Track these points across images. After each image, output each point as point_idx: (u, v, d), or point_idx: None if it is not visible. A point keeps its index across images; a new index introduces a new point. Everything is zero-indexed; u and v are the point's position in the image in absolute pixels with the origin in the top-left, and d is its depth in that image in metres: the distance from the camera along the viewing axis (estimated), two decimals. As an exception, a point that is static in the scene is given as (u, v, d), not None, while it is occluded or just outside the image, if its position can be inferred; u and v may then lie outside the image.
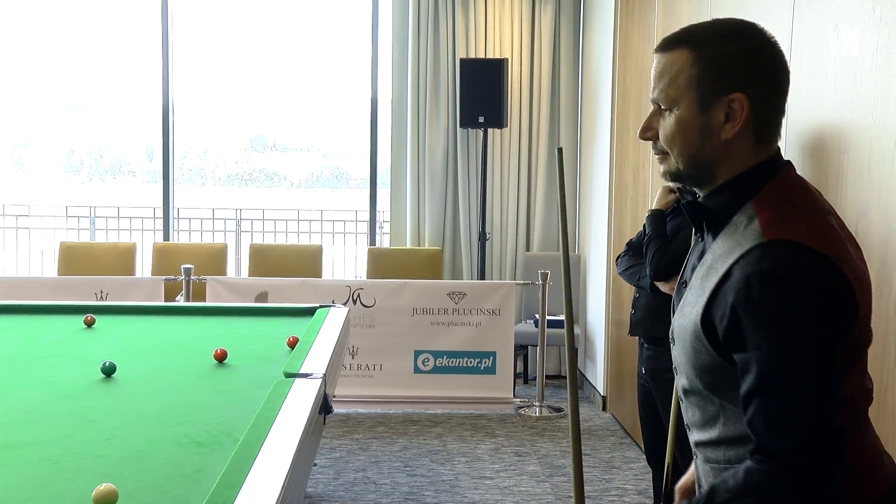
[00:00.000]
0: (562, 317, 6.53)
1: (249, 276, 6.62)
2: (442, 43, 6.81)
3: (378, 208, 7.45)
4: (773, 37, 1.53)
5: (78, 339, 3.88)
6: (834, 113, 2.97)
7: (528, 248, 7.02)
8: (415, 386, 5.82)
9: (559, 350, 6.89)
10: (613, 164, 5.89)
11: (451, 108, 6.82)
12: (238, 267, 8.50)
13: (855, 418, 1.49)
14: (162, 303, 5.51)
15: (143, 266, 6.76)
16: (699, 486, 1.70)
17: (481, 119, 6.42)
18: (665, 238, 3.41)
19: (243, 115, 16.12)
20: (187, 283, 5.75)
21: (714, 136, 1.50)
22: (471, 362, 5.84)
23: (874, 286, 2.67)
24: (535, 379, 6.30)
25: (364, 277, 6.66)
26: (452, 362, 5.84)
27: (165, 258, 6.60)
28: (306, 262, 6.67)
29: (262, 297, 5.77)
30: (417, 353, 5.86)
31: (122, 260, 6.61)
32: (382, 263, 6.69)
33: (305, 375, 3.02)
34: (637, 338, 3.75)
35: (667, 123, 1.54)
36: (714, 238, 1.56)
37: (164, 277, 5.94)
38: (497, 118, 6.44)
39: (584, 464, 4.87)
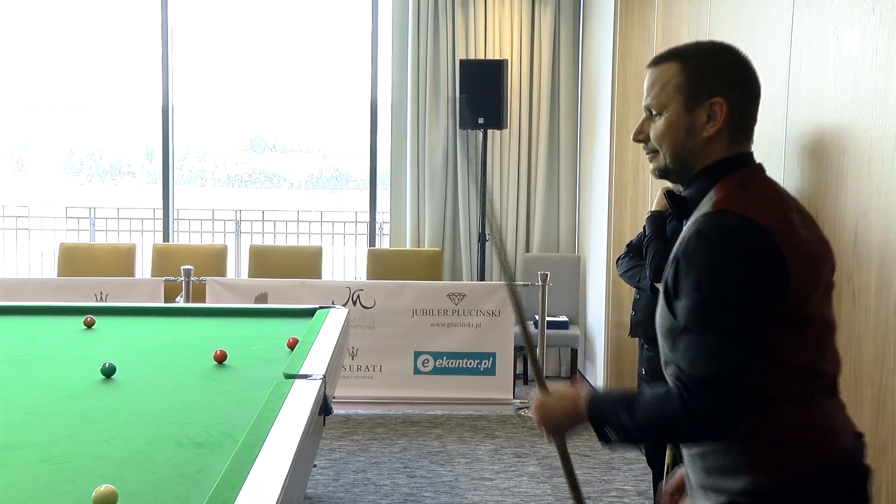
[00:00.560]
0: (563, 317, 6.53)
1: (249, 277, 6.62)
2: (442, 44, 6.81)
3: (378, 209, 7.45)
4: (746, 55, 1.79)
5: (78, 340, 3.88)
6: (833, 114, 2.97)
7: (527, 250, 7.02)
8: (414, 387, 5.82)
9: (559, 351, 6.89)
10: (613, 165, 5.90)
11: (451, 109, 6.82)
12: (238, 268, 8.50)
13: (803, 391, 1.67)
14: (162, 304, 5.51)
15: (143, 267, 6.76)
16: (687, 478, 1.84)
17: (481, 120, 6.42)
18: (665, 239, 3.41)
19: (243, 117, 16.13)
20: (187, 284, 5.75)
21: (697, 133, 1.74)
22: (470, 363, 5.84)
23: (872, 287, 2.68)
24: (534, 380, 6.29)
25: (364, 278, 6.65)
26: (452, 363, 5.84)
27: (165, 259, 6.60)
28: (306, 263, 6.67)
29: (262, 297, 5.77)
30: (417, 354, 5.86)
31: (121, 261, 6.61)
32: (382, 264, 6.69)
33: (305, 376, 3.02)
34: (637, 339, 3.75)
35: (657, 125, 1.78)
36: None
37: (163, 278, 5.94)
38: (497, 119, 6.44)
39: (584, 464, 4.88)
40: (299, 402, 2.71)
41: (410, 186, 6.90)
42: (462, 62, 6.54)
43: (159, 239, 7.43)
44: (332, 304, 4.59)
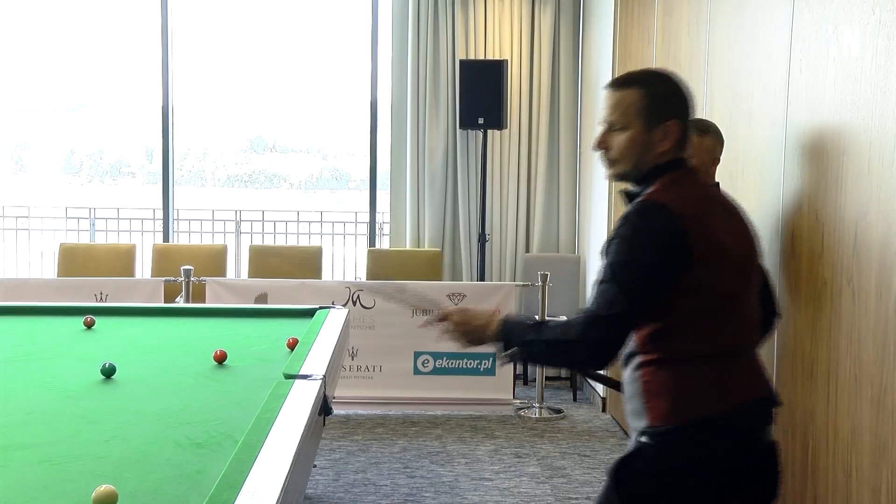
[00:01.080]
0: (563, 318, 6.53)
1: (249, 277, 6.62)
2: (441, 44, 6.81)
3: (378, 209, 7.45)
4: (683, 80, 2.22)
5: (78, 341, 3.88)
6: (833, 114, 2.97)
7: (527, 250, 7.02)
8: (414, 387, 5.82)
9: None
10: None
11: (451, 110, 6.82)
12: (238, 268, 8.50)
13: (703, 351, 2.07)
14: (162, 304, 5.50)
15: (143, 267, 6.76)
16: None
17: (481, 120, 6.42)
18: None
19: (243, 117, 16.13)
20: (187, 285, 5.75)
21: (653, 149, 2.15)
22: (470, 363, 5.84)
23: (872, 287, 2.68)
24: (534, 380, 6.30)
25: (364, 279, 6.65)
26: (452, 363, 5.84)
27: (165, 259, 6.60)
28: (306, 263, 6.67)
29: (262, 298, 5.77)
30: (417, 355, 5.86)
31: (121, 261, 6.61)
32: (382, 264, 6.69)
33: (305, 377, 3.02)
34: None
35: (619, 140, 2.16)
36: None
37: (163, 279, 5.94)
38: (497, 119, 6.44)
39: (584, 465, 4.88)
40: (299, 403, 2.71)
41: (410, 186, 6.90)
42: (462, 62, 6.54)
43: (159, 239, 7.44)
44: (332, 304, 4.59)
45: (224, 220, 9.18)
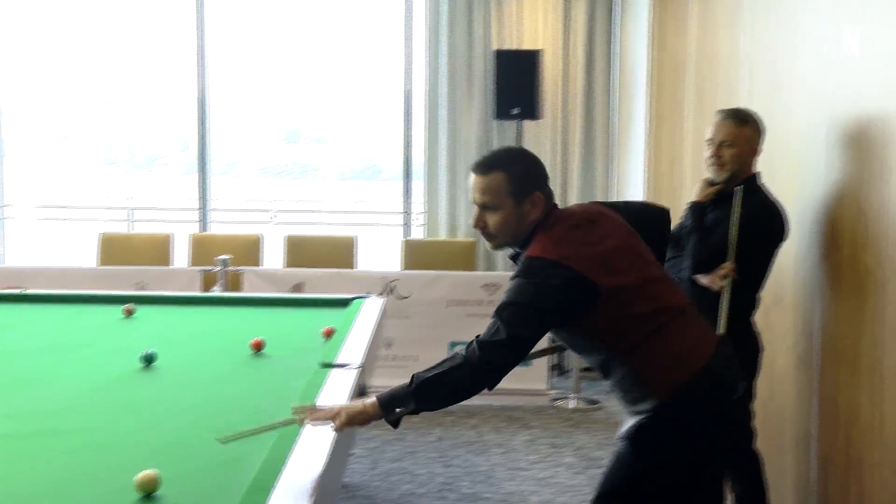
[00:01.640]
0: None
1: (285, 266, 6.65)
2: (476, 34, 6.79)
3: (413, 200, 7.46)
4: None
5: (118, 329, 3.93)
6: (877, 104, 2.93)
7: (562, 240, 6.98)
8: (449, 377, 5.81)
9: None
10: (650, 155, 5.86)
11: (486, 100, 6.80)
12: (273, 258, 8.55)
13: (651, 331, 2.38)
14: (199, 293, 5.55)
15: (180, 257, 6.82)
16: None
17: (516, 110, 6.39)
18: (704, 230, 3.39)
19: (278, 108, 16.21)
20: (224, 274, 5.78)
21: (525, 219, 2.46)
22: (505, 354, 5.82)
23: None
24: (570, 371, 6.29)
25: (399, 269, 6.67)
26: (487, 354, 5.82)
27: (202, 249, 6.65)
28: (341, 253, 6.69)
29: (298, 287, 5.80)
30: (452, 345, 5.87)
31: (158, 250, 6.67)
32: (417, 255, 6.70)
33: (342, 365, 3.05)
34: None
35: (495, 218, 2.45)
36: None
37: (201, 268, 5.99)
38: (531, 109, 6.41)
39: (608, 452, 4.85)
40: (336, 391, 2.74)
41: (445, 177, 6.90)
42: (497, 52, 6.52)
43: (195, 229, 7.49)
44: (368, 294, 4.60)
45: (259, 210, 9.25)
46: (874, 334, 2.91)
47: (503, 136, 6.83)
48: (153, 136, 17.24)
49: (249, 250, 6.61)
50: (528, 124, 6.68)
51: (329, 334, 3.63)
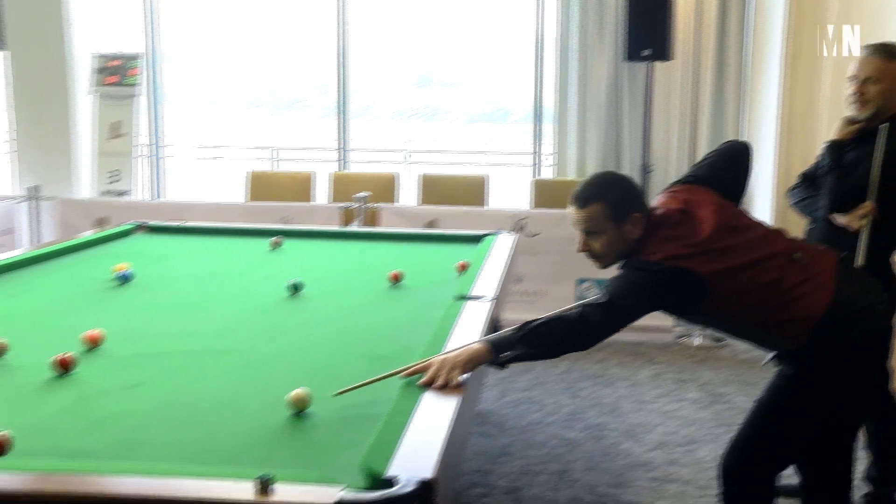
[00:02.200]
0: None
1: (420, 204, 6.87)
2: (609, -26, 6.75)
3: (542, 141, 7.53)
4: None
5: (266, 260, 4.19)
6: None
7: (693, 180, 6.93)
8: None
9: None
10: (784, 94, 5.75)
11: (617, 42, 6.77)
12: (408, 196, 8.79)
13: (760, 304, 2.51)
14: (340, 227, 5.82)
15: (321, 194, 7.11)
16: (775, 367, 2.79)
17: (647, 52, 6.34)
18: (843, 169, 3.32)
19: (410, 53, 16.36)
20: (363, 210, 6.04)
21: (629, 238, 2.58)
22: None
23: None
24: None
25: (528, 208, 6.78)
26: (615, 292, 5.90)
27: (341, 186, 6.94)
28: (473, 191, 6.86)
29: (433, 223, 6.01)
30: (580, 282, 5.99)
31: (301, 188, 7.01)
32: (546, 194, 6.80)
33: (476, 298, 3.15)
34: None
35: (599, 243, 2.60)
36: None
37: (341, 204, 6.27)
38: (662, 51, 6.35)
39: (746, 392, 4.88)
40: (471, 321, 2.85)
41: (575, 119, 6.95)
42: (629, -8, 6.47)
43: (334, 168, 7.78)
44: (499, 230, 4.71)
45: (393, 150, 9.48)
46: None
47: (633, 78, 6.81)
48: (293, 81, 17.71)
49: (386, 188, 6.86)
50: (658, 66, 6.63)
51: (463, 268, 3.76)
